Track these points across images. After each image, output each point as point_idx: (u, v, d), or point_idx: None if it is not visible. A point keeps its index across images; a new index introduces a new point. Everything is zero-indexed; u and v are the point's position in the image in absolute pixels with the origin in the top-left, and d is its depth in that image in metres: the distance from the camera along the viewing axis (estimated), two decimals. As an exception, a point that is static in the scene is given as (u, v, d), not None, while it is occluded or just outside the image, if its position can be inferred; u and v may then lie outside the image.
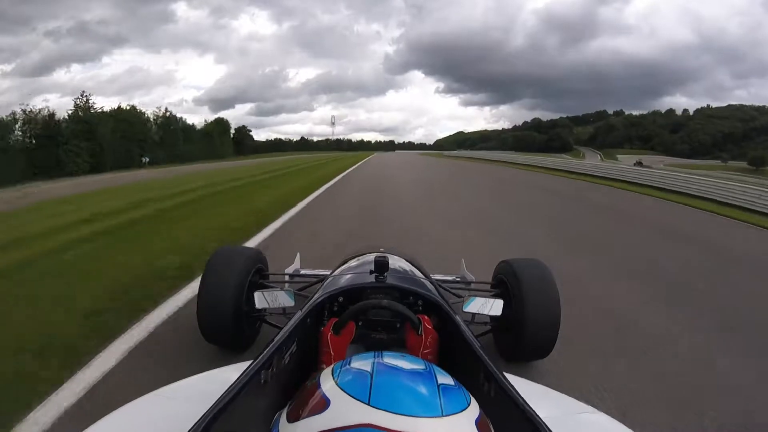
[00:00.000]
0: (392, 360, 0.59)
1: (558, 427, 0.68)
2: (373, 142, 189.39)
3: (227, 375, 0.86)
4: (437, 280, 2.06)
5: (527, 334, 1.92)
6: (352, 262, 1.80)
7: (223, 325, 1.93)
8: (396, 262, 1.65)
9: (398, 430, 0.47)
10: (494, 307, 1.67)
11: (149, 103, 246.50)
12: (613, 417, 0.93)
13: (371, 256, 1.46)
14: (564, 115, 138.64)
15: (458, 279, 2.75)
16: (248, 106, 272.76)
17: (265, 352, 0.89)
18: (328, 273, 1.79)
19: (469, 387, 0.59)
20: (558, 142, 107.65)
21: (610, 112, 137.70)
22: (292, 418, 0.56)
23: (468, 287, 2.52)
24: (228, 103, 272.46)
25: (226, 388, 0.72)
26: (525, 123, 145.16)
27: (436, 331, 1.12)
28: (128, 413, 0.84)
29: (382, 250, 1.90)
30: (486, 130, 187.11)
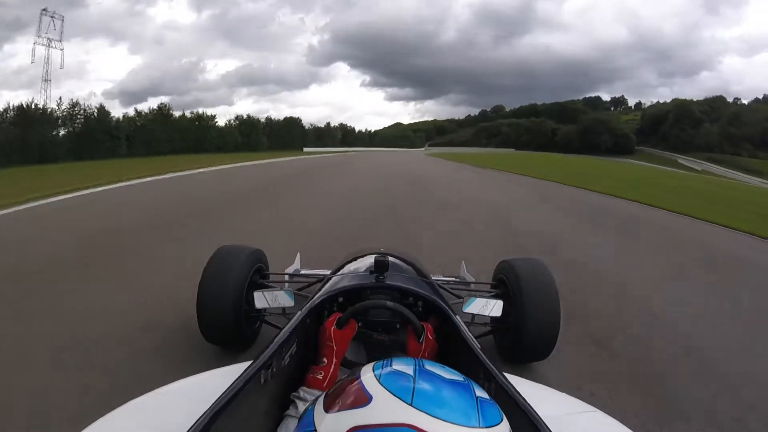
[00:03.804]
0: (433, 368, 0.58)
1: (558, 426, 0.68)
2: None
3: (227, 375, 0.83)
4: (437, 281, 2.05)
5: (527, 334, 1.89)
6: (353, 263, 1.78)
7: (223, 325, 1.92)
8: (396, 262, 1.64)
9: None
10: (494, 308, 1.67)
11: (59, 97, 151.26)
12: (614, 417, 0.90)
13: (371, 257, 1.45)
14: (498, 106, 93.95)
15: (458, 280, 2.68)
16: (161, 100, 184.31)
17: (265, 352, 0.89)
18: (328, 273, 1.81)
19: None
20: (608, 138, 60.64)
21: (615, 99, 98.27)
22: (329, 408, 0.55)
23: (468, 288, 2.46)
24: (140, 96, 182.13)
25: (226, 388, 0.72)
26: (520, 107, 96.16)
27: (437, 334, 1.13)
28: (128, 413, 0.81)
29: (382, 250, 1.84)
30: (436, 120, 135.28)
